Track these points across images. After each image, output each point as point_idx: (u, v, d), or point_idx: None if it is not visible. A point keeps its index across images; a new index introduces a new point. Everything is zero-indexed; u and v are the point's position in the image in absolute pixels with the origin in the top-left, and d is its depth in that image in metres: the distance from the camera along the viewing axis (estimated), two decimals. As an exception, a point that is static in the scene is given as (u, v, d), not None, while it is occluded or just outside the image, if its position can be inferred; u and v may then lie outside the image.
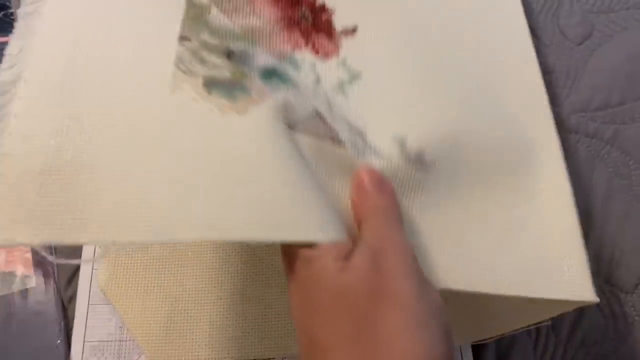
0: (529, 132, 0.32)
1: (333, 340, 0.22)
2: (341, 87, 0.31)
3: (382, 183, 0.27)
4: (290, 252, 0.24)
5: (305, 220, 0.24)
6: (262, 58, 0.30)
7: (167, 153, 0.23)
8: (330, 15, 0.34)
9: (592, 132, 0.44)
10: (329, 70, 0.31)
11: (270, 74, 0.29)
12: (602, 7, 0.49)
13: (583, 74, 0.46)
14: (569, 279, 0.29)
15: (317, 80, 0.30)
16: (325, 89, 0.30)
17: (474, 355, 0.38)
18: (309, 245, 0.23)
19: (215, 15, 0.30)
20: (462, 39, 0.35)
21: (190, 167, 0.23)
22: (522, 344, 0.39)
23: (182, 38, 0.27)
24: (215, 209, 0.23)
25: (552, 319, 0.33)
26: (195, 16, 0.29)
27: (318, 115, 0.28)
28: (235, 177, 0.24)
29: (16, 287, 0.39)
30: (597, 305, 0.31)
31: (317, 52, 0.32)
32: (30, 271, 0.39)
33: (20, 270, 0.39)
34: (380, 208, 0.25)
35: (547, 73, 0.45)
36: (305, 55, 0.31)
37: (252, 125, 0.25)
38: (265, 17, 0.32)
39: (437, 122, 0.30)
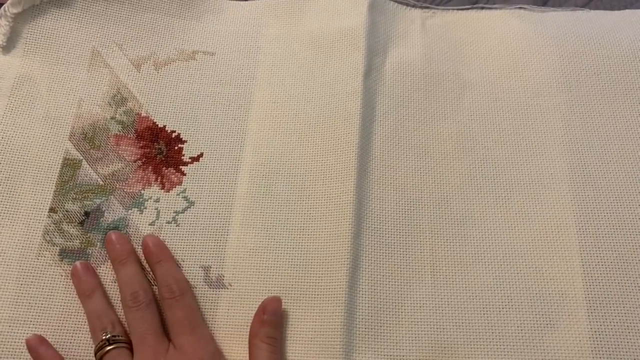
0: None
1: None
2: (175, 218, 0.39)
3: None
4: None
5: None
6: (113, 211, 0.39)
7: (22, 305, 0.36)
8: (183, 144, 0.42)
9: None
10: (169, 202, 0.39)
11: None
12: None
13: None
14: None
15: (157, 216, 0.39)
16: (161, 222, 0.40)
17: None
18: None
19: (84, 169, 0.40)
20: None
21: (33, 320, 0.35)
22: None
23: (51, 210, 0.38)
24: None
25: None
26: (66, 179, 0.40)
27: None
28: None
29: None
30: None
31: (162, 186, 0.40)
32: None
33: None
34: None
35: None
36: (152, 192, 0.39)
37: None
38: (127, 157, 0.41)
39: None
